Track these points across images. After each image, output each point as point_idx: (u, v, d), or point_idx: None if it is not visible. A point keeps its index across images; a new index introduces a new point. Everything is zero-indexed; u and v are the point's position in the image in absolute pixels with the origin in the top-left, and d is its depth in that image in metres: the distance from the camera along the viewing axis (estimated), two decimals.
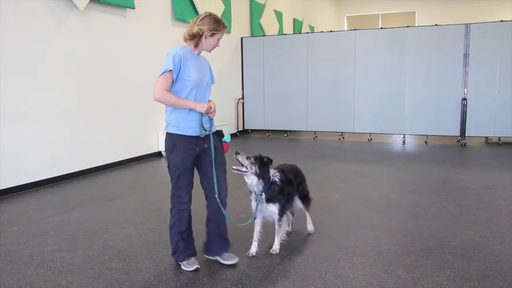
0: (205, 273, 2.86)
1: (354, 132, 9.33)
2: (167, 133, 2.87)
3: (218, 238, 2.99)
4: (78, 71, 5.74)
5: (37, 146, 5.22)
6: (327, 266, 2.95)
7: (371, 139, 9.28)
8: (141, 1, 6.79)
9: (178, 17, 7.71)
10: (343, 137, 9.62)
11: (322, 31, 10.20)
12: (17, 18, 4.90)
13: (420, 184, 5.29)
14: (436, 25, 8.59)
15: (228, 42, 9.54)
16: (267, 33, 11.19)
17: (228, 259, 2.98)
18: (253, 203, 3.10)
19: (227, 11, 9.28)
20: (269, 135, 10.19)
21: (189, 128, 2.80)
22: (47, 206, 4.49)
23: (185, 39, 2.84)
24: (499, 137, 8.44)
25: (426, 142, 8.88)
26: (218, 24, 2.79)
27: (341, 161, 7.14)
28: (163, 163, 6.91)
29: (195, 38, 2.79)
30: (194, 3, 8.07)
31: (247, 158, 2.96)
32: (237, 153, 2.95)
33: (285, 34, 10.90)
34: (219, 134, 2.99)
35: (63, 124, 5.56)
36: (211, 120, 2.88)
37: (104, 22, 6.14)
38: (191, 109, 2.77)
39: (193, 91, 2.78)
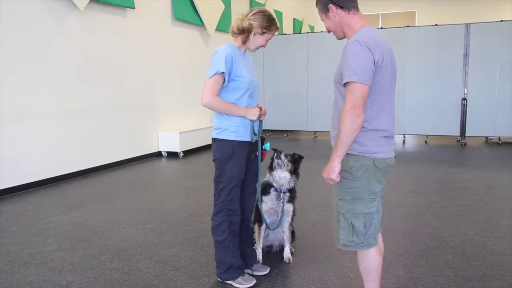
0: (205, 273, 2.86)
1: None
2: (222, 140, 2.56)
3: (250, 250, 2.87)
4: (78, 71, 5.74)
5: (37, 146, 5.22)
6: (327, 266, 2.95)
7: None
8: (141, 1, 6.80)
9: (178, 17, 7.70)
10: None
11: (322, 31, 10.19)
12: (17, 18, 4.90)
13: (420, 184, 5.29)
14: (436, 25, 8.58)
15: (227, 42, 9.53)
16: None
17: (262, 270, 2.86)
18: (268, 204, 2.94)
19: (227, 11, 9.28)
20: (269, 135, 10.19)
21: (247, 133, 2.58)
22: (47, 206, 4.49)
23: (233, 34, 2.64)
24: (499, 137, 8.44)
25: (426, 142, 8.88)
26: (270, 23, 2.56)
27: None
28: (163, 163, 6.91)
29: (243, 33, 2.57)
30: (194, 3, 8.07)
31: (284, 155, 2.91)
32: (280, 152, 2.88)
33: (285, 34, 10.91)
34: (262, 140, 2.76)
35: (63, 124, 5.55)
36: (261, 123, 2.68)
37: (104, 22, 6.15)
38: (247, 105, 2.57)
39: (247, 92, 2.55)
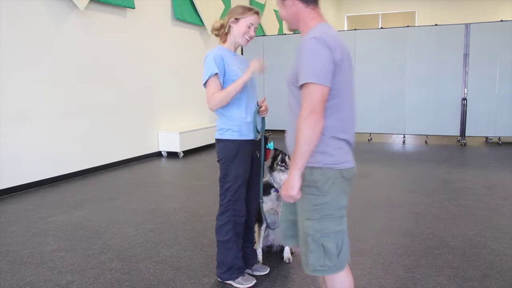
0: (205, 273, 2.86)
1: (354, 131, 9.31)
2: (225, 140, 2.55)
3: (251, 250, 2.86)
4: (78, 71, 5.74)
5: (37, 146, 5.22)
6: None
7: (371, 139, 9.28)
8: (141, 1, 6.80)
9: (178, 17, 7.71)
10: None
11: None
12: (17, 18, 4.90)
13: (420, 184, 5.29)
14: (436, 25, 8.58)
15: None
16: (267, 33, 11.19)
17: (262, 270, 2.86)
18: (268, 204, 2.94)
19: (227, 11, 9.27)
20: (269, 135, 10.19)
21: (250, 131, 2.56)
22: (47, 206, 4.49)
23: (216, 35, 2.64)
24: (499, 137, 8.44)
25: (426, 142, 8.88)
26: (243, 9, 2.51)
27: None
28: (163, 163, 6.91)
29: (220, 29, 2.58)
30: (194, 3, 8.07)
31: (288, 157, 2.89)
32: (284, 154, 2.88)
33: (285, 34, 10.90)
34: (265, 139, 2.72)
35: (63, 124, 5.56)
36: (263, 120, 2.68)
37: (104, 22, 6.15)
38: (246, 103, 2.54)
39: (244, 90, 2.52)
